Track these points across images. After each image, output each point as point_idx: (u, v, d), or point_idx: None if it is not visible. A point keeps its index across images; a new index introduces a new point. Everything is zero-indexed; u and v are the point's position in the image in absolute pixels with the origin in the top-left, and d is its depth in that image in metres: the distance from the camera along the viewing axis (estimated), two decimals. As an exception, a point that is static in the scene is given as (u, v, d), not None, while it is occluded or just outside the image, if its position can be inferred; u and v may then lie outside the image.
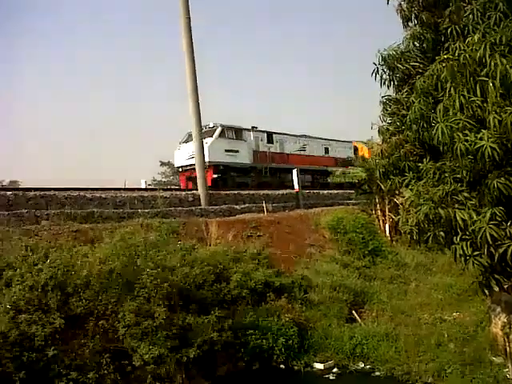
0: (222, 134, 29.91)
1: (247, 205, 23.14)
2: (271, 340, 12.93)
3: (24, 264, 10.86)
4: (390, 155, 10.89)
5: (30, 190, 18.42)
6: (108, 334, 10.66)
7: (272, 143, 33.14)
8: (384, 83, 10.79)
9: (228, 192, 24.93)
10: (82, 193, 18.94)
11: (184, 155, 29.81)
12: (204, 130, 27.74)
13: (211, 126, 29.96)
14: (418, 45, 10.63)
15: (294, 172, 28.05)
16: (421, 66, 10.37)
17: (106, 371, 10.18)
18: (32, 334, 9.69)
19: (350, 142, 41.19)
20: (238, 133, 31.13)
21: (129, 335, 10.53)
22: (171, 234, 14.25)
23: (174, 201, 21.25)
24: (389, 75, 10.83)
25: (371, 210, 23.41)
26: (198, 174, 23.42)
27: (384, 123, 11.00)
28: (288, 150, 34.59)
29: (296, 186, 27.69)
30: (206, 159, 26.11)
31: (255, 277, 14.34)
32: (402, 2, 10.73)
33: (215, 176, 28.41)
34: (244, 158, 30.86)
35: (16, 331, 9.56)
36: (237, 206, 22.46)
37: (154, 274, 11.11)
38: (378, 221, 22.79)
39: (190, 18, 23.26)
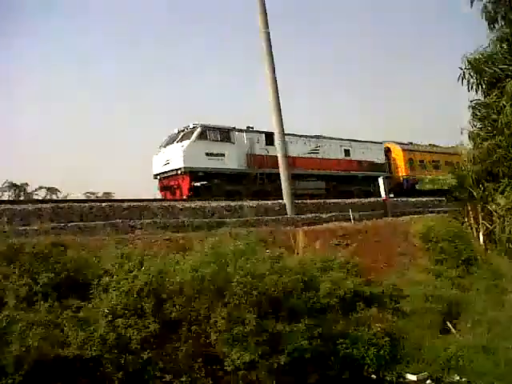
0: (202, 136, 26.17)
1: (333, 213, 22.95)
2: (362, 349, 12.71)
3: (120, 271, 11.30)
4: (483, 161, 10.49)
5: (123, 201, 19.21)
6: (200, 339, 10.87)
7: (272, 145, 27.35)
8: (472, 87, 10.45)
9: (313, 201, 24.85)
10: (172, 203, 19.54)
11: (161, 161, 26.59)
12: (184, 132, 26.18)
13: (191, 126, 26.66)
14: (506, 47, 10.19)
15: (380, 180, 27.42)
16: (510, 68, 9.93)
17: (198, 375, 10.39)
18: (128, 338, 10.06)
19: (381, 142, 36.98)
20: (223, 134, 27.17)
21: (220, 340, 10.71)
22: (259, 243, 14.36)
23: (260, 210, 21.45)
24: (476, 79, 10.47)
25: (463, 218, 22.51)
26: (284, 183, 23.44)
27: (474, 128, 10.62)
28: (294, 152, 29.49)
29: (383, 194, 26.95)
30: (181, 165, 24.55)
31: (344, 286, 14.14)
32: (488, 4, 10.33)
33: (197, 184, 24.93)
34: (232, 162, 26.89)
35: (114, 334, 9.96)
36: (323, 215, 22.34)
37: (244, 281, 11.27)
38: (471, 229, 21.87)
39: (269, 33, 23.56)
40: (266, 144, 28.73)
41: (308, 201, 24.64)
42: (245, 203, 21.28)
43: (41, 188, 42.94)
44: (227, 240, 13.75)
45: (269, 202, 22.78)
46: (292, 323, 11.57)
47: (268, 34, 23.46)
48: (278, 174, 25.71)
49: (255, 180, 27.51)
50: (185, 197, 24.40)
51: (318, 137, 32.62)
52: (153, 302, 10.70)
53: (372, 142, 35.97)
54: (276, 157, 25.81)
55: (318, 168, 31.23)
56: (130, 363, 9.90)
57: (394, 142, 38.36)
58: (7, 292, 10.24)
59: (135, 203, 18.72)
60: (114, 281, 11.02)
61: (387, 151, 37.25)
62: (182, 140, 25.87)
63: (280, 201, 23.10)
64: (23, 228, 13.93)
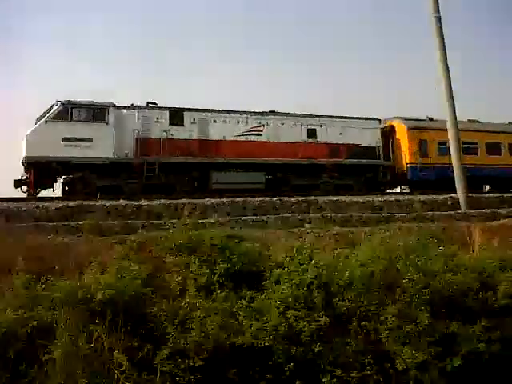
0: (60, 116, 20.74)
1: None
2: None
3: (291, 264, 11.60)
4: None
5: (292, 195, 19.72)
6: (370, 336, 10.77)
7: (180, 125, 22.78)
8: None
9: (489, 195, 23.36)
10: (340, 198, 19.64)
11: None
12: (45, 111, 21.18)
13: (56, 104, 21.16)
14: None
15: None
16: None
17: (368, 372, 10.32)
18: (299, 330, 10.29)
19: (375, 118, 28.27)
20: (94, 112, 21.22)
21: (391, 338, 10.54)
22: (430, 239, 13.86)
23: (431, 204, 20.69)
24: None
25: None
26: (456, 172, 22.21)
27: None
28: (218, 134, 23.57)
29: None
30: (23, 154, 19.87)
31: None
32: None
33: (63, 179, 20.69)
34: (104, 149, 20.92)
35: (285, 325, 10.24)
36: (501, 210, 20.89)
37: (416, 278, 11.00)
38: None
39: (440, 17, 22.40)
40: (170, 124, 22.88)
41: (484, 195, 23.16)
42: (415, 198, 20.67)
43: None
44: (396, 235, 13.50)
45: (440, 197, 21.86)
46: (467, 324, 11.05)
47: (439, 18, 22.41)
48: (190, 164, 22.31)
49: (151, 171, 21.95)
50: (33, 194, 20.20)
51: (263, 113, 25.25)
52: (322, 296, 10.82)
53: (360, 119, 27.58)
54: (186, 141, 22.35)
55: (258, 155, 24.06)
56: (300, 355, 10.13)
57: (401, 118, 29.28)
58: (188, 281, 11.02)
59: (303, 197, 19.16)
60: (285, 273, 11.33)
61: (389, 131, 28.98)
62: (37, 122, 21.11)
63: (453, 195, 22.04)
64: (202, 221, 14.91)
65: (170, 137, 22.64)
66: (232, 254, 11.71)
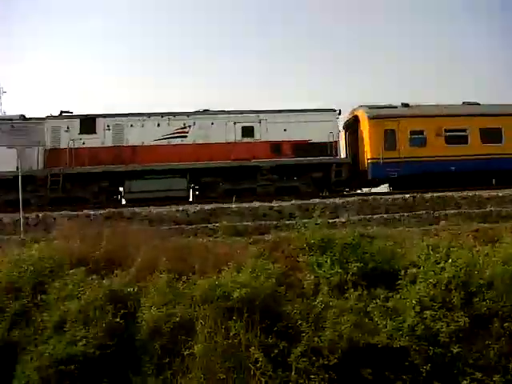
0: None
1: None
2: None
3: (427, 262, 11.26)
4: None
5: (426, 192, 19.08)
6: (514, 338, 10.20)
7: (92, 133, 21.77)
8: None
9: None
10: (477, 192, 18.70)
11: None
12: None
13: None
14: None
15: None
16: None
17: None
18: (437, 330, 9.97)
19: (330, 110, 24.10)
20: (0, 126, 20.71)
21: (538, 341, 9.89)
22: None
23: None
24: None
25: None
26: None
27: None
28: (135, 140, 22.18)
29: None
30: None
31: None
32: None
33: None
34: (9, 163, 19.67)
35: (422, 326, 9.97)
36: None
37: None
38: None
39: None
40: (81, 132, 21.93)
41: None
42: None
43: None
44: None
45: None
46: None
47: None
48: (99, 173, 21.02)
49: (48, 184, 21.15)
50: None
51: (189, 113, 23.31)
52: (461, 296, 10.40)
53: (311, 111, 24.03)
54: (99, 149, 21.04)
55: (181, 159, 22.21)
56: (438, 356, 9.82)
57: (366, 107, 24.78)
58: (321, 280, 11.11)
59: (438, 193, 18.51)
60: (421, 272, 11.04)
61: (353, 122, 25.19)
62: None
63: None
64: (333, 220, 14.93)
65: (80, 146, 21.84)
66: (364, 252, 11.62)
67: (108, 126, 22.35)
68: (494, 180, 24.30)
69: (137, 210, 17.46)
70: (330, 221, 14.61)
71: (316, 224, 12.98)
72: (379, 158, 23.26)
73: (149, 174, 21.87)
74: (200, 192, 23.05)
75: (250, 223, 15.92)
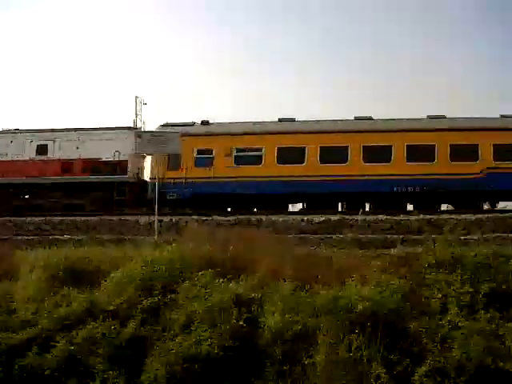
0: None
1: None
2: None
3: None
4: None
5: None
6: None
7: None
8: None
9: None
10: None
11: None
12: None
13: None
14: None
15: None
16: None
17: None
18: None
19: (125, 128, 24.20)
20: None
21: None
22: None
23: None
24: None
25: None
26: None
27: None
28: None
29: None
30: None
31: None
32: None
33: None
34: None
35: None
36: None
37: None
38: None
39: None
40: None
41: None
42: None
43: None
44: None
45: None
46: None
47: None
48: None
49: None
50: None
51: None
52: None
53: (105, 129, 24.22)
54: None
55: None
56: None
57: (161, 125, 23.32)
58: (449, 298, 10.63)
59: None
60: None
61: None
62: None
63: None
64: (464, 237, 14.26)
65: None
66: (498, 272, 10.98)
67: None
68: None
69: (263, 217, 17.82)
70: (462, 238, 13.94)
71: (446, 240, 12.48)
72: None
73: None
74: None
75: (376, 235, 15.64)
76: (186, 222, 17.09)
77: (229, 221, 17.23)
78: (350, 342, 9.74)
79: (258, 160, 23.13)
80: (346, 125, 23.62)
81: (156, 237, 15.71)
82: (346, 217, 17.64)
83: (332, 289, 10.65)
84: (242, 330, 10.35)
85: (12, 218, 19.19)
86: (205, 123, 24.37)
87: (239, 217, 18.05)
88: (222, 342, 10.08)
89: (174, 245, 13.41)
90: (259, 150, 23.24)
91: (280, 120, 24.12)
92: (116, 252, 13.73)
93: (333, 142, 22.96)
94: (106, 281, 12.10)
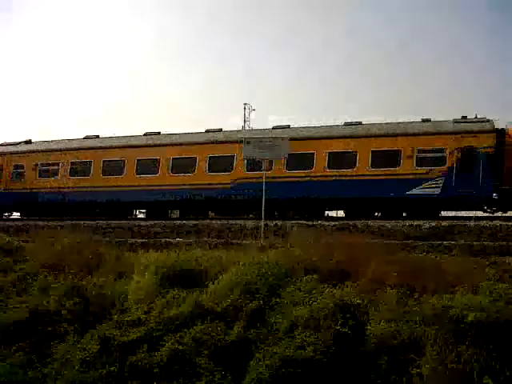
0: None
1: None
2: None
3: None
4: None
5: None
6: None
7: None
8: None
9: None
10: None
11: None
12: None
13: None
14: None
15: None
16: None
17: None
18: None
19: None
20: None
21: None
22: None
23: None
24: None
25: None
26: None
27: None
28: None
29: None
30: None
31: None
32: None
33: None
34: None
35: None
36: None
37: None
38: None
39: None
40: None
41: None
42: None
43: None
44: None
45: None
46: None
47: None
48: None
49: None
50: None
51: None
52: None
53: None
54: None
55: None
56: None
57: None
58: None
59: None
60: None
61: None
62: None
63: None
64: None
65: None
66: None
67: None
68: None
69: (370, 222, 17.49)
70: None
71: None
72: None
73: None
74: None
75: (491, 243, 14.82)
76: (292, 226, 17.13)
77: (334, 225, 17.05)
78: (460, 353, 9.31)
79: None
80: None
81: (262, 241, 15.89)
82: (459, 222, 16.87)
83: (440, 297, 10.23)
84: (346, 337, 10.21)
85: (128, 222, 20.15)
86: (26, 142, 28.92)
87: (345, 221, 17.83)
88: (326, 347, 10.01)
89: (279, 249, 13.51)
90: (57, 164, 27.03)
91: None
92: (223, 255, 14.07)
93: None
94: (213, 283, 12.42)
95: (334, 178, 22.20)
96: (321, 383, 9.83)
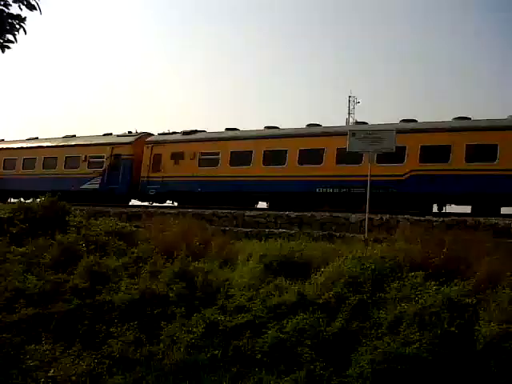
0: None
1: None
2: None
3: None
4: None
5: None
6: None
7: None
8: None
9: None
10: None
11: None
12: None
13: None
14: None
15: None
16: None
17: None
18: None
19: None
20: None
21: None
22: None
23: None
24: None
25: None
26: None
27: None
28: None
29: None
30: None
31: None
32: None
33: None
34: None
35: None
36: None
37: None
38: None
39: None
40: None
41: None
42: None
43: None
44: None
45: None
46: None
47: None
48: None
49: None
50: None
51: None
52: None
53: None
54: None
55: None
56: None
57: None
58: None
59: None
60: None
61: None
62: None
63: None
64: None
65: None
66: None
67: None
68: None
69: (481, 219, 16.61)
70: None
71: None
72: None
73: None
74: None
75: None
76: (398, 221, 16.69)
77: (443, 221, 16.34)
78: None
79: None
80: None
81: (366, 235, 15.64)
82: None
83: None
84: (453, 336, 9.85)
85: (233, 211, 20.49)
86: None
87: (455, 218, 17.06)
88: (431, 345, 9.73)
89: (384, 244, 13.24)
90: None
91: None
92: (327, 247, 14.00)
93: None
94: (316, 274, 12.40)
95: None
96: (425, 381, 9.56)
